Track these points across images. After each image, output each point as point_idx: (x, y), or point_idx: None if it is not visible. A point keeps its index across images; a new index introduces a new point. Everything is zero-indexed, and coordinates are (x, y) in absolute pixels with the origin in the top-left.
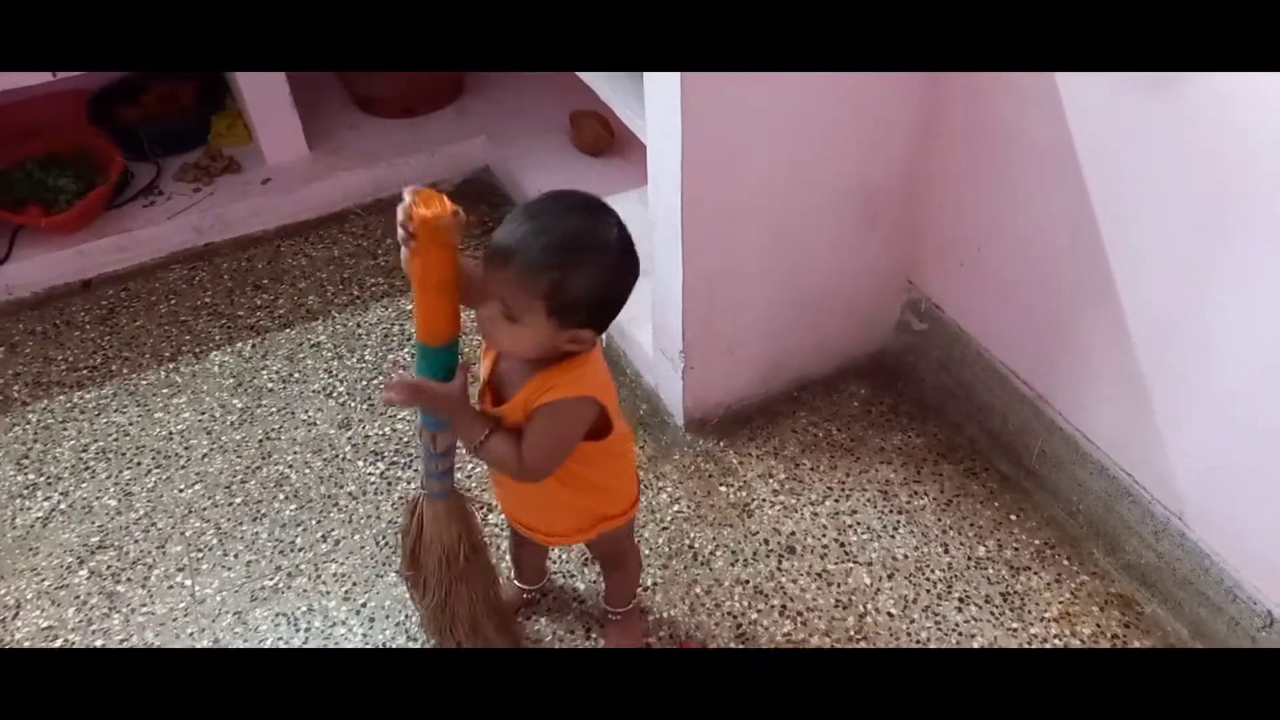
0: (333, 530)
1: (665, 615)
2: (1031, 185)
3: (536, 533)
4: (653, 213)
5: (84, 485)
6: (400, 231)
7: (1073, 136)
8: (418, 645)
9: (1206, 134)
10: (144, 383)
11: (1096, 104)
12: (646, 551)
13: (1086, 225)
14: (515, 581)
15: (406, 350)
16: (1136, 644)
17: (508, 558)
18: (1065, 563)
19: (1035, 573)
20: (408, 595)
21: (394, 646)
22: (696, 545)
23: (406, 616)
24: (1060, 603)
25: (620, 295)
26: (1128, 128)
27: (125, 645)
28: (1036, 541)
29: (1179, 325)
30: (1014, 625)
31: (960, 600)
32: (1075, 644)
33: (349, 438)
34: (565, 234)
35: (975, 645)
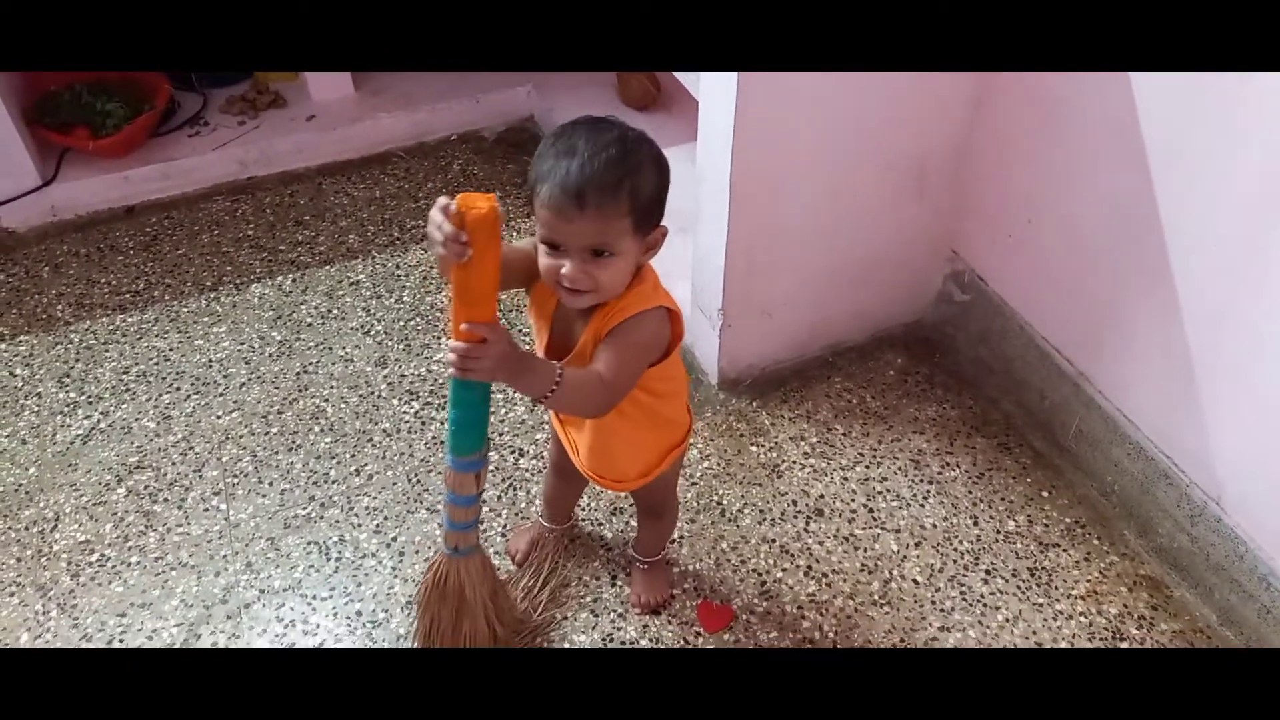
0: (366, 465)
1: (691, 569)
2: (1086, 159)
3: (606, 480)
4: (700, 170)
5: (124, 406)
6: (438, 236)
7: (1135, 111)
8: None
9: (1271, 116)
10: (185, 310)
11: (1160, 79)
12: None
13: (1142, 202)
14: (542, 520)
15: (445, 294)
16: (1163, 626)
17: (538, 501)
18: (1095, 542)
19: (1064, 550)
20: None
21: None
22: (725, 502)
23: (436, 552)
24: (1088, 581)
25: (668, 176)
26: (1190, 105)
27: (160, 562)
28: (1067, 519)
29: (1231, 310)
30: (1040, 600)
31: (987, 572)
32: (1101, 622)
33: (385, 376)
34: (608, 150)
35: (1000, 618)
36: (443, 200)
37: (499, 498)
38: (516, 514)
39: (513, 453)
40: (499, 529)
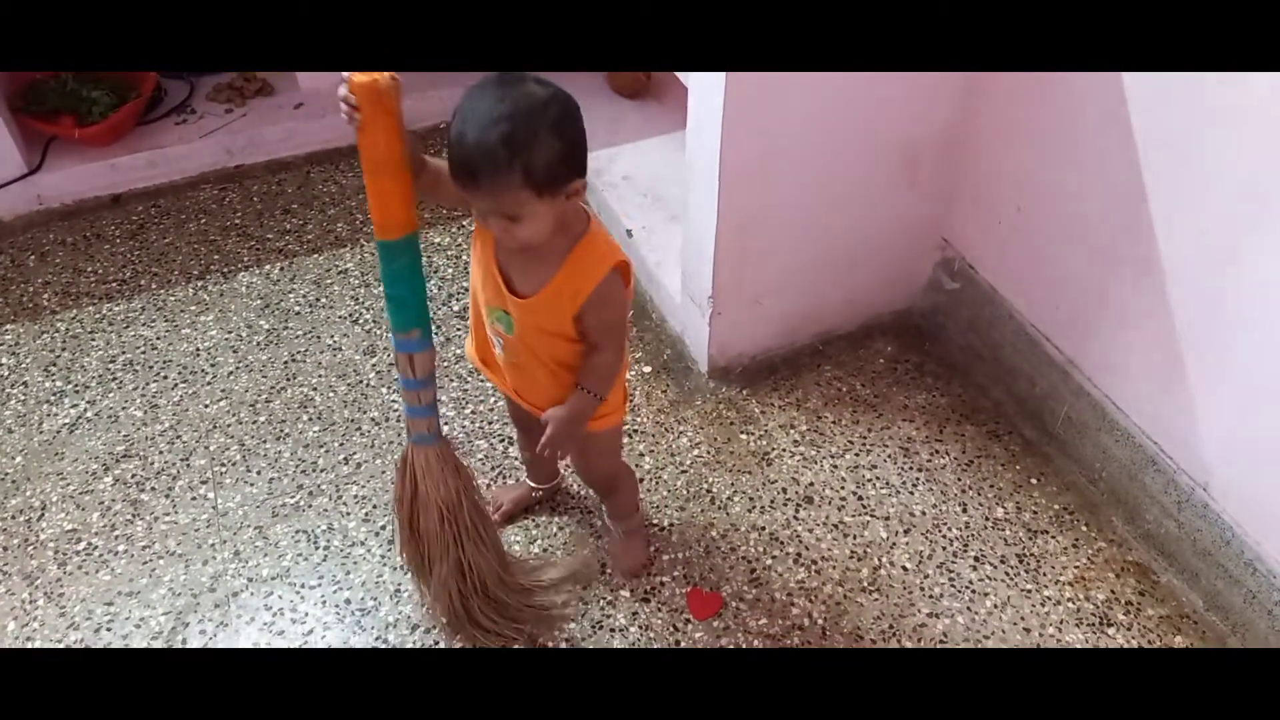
0: (354, 454)
1: (680, 556)
2: (1077, 146)
3: (539, 409)
4: (689, 158)
5: (111, 395)
6: (343, 107)
7: (1124, 98)
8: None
9: (1262, 104)
10: (172, 299)
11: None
12: (664, 493)
13: (1131, 190)
14: (527, 480)
15: (434, 280)
16: (1150, 612)
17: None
18: (1084, 529)
19: (1052, 537)
20: (412, 577)
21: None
22: (715, 490)
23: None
24: (1076, 567)
25: (579, 133)
26: (1180, 93)
27: (148, 551)
28: (1056, 506)
29: (1219, 296)
30: (1028, 587)
31: (975, 559)
32: (1088, 608)
33: (373, 364)
34: (500, 125)
35: (988, 604)
36: (345, 73)
37: (487, 486)
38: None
39: (501, 441)
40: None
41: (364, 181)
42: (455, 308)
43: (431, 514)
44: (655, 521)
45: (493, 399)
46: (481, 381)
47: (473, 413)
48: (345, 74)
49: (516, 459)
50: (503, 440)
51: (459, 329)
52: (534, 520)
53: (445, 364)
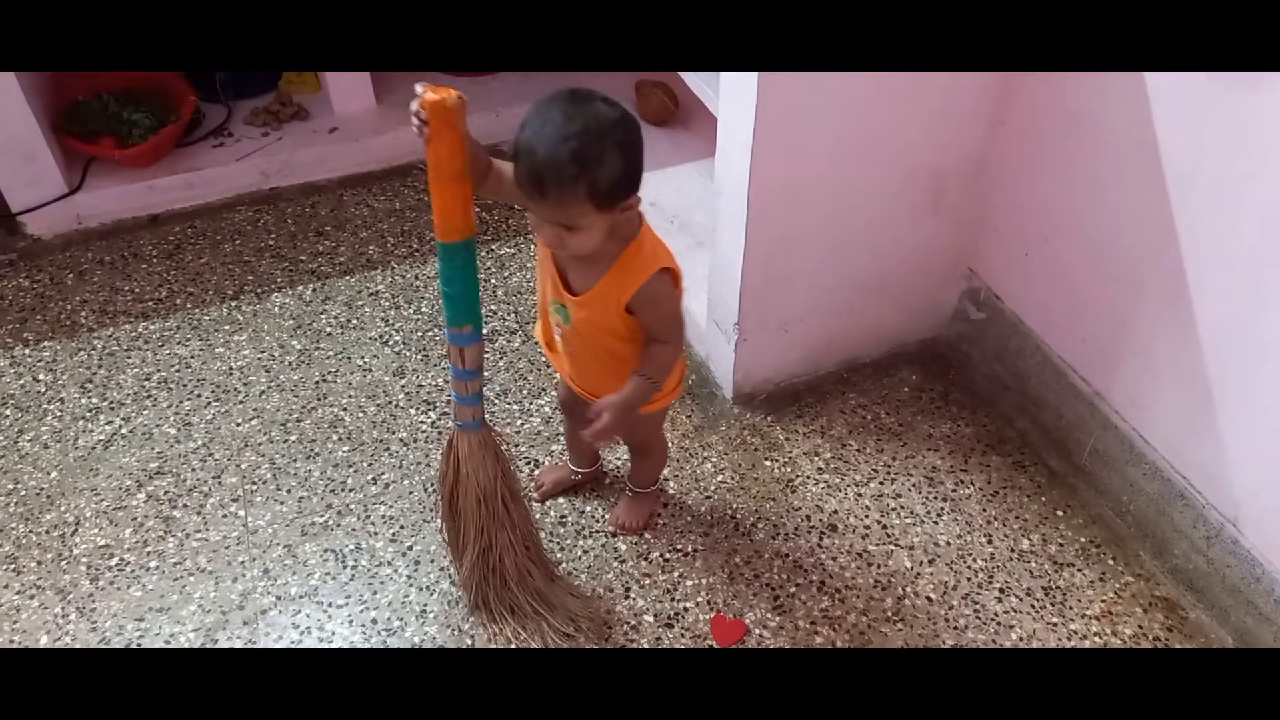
0: (383, 474)
1: (704, 582)
2: (1105, 177)
3: (590, 395)
4: (718, 184)
5: (145, 412)
6: (414, 121)
7: (1154, 129)
8: (457, 593)
9: None
10: (207, 318)
11: (1179, 97)
12: (688, 519)
13: (1160, 221)
14: (569, 464)
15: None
16: (1178, 648)
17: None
18: (1110, 562)
19: (1079, 569)
20: (449, 553)
21: (437, 590)
22: (739, 516)
23: (450, 561)
24: (1103, 601)
25: (640, 154)
26: (1209, 124)
27: (179, 568)
28: (1082, 539)
29: (1248, 329)
30: (1054, 620)
31: (1001, 591)
32: (1116, 644)
33: (403, 385)
34: (570, 142)
35: (1013, 637)
36: (418, 86)
37: (530, 473)
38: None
39: (528, 463)
40: None
41: (429, 188)
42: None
43: (470, 495)
44: (679, 547)
45: (520, 420)
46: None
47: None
48: (419, 90)
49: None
50: (528, 463)
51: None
52: (557, 540)
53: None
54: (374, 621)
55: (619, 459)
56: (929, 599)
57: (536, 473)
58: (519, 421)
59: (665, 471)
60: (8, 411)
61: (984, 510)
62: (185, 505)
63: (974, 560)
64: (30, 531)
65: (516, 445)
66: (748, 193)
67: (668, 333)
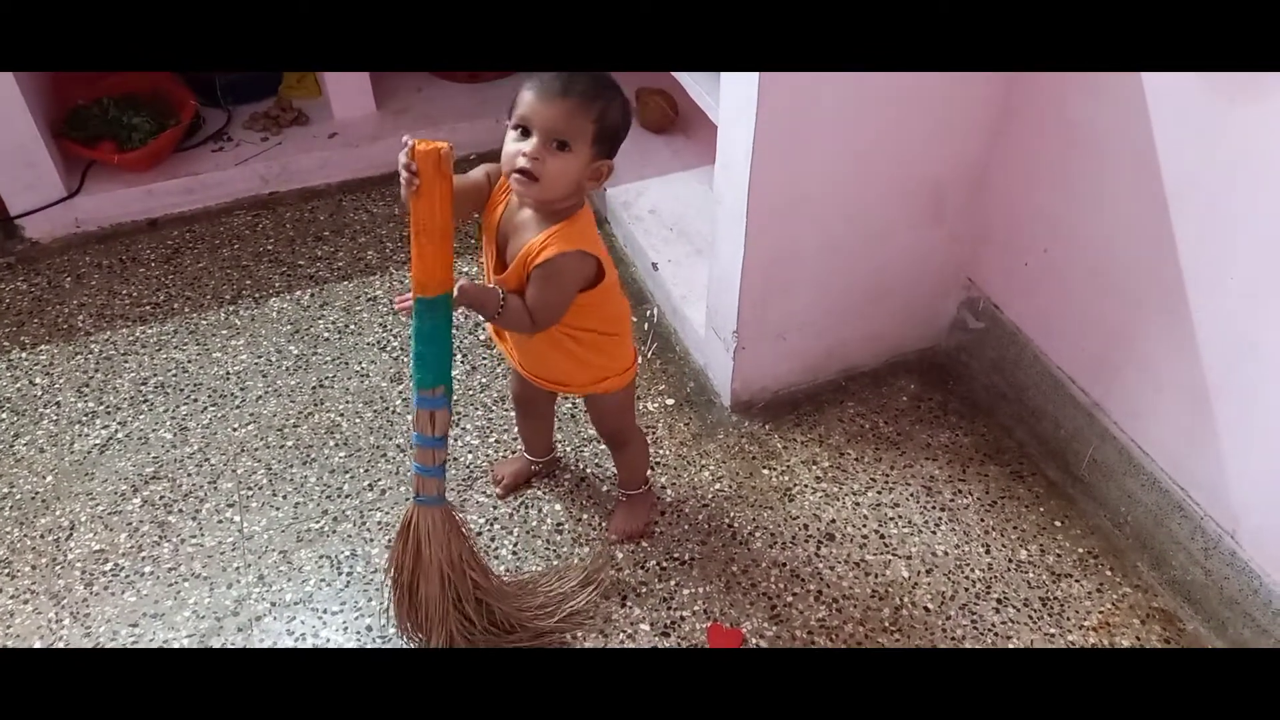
0: (379, 480)
1: (701, 591)
2: (1106, 188)
3: (546, 382)
4: (718, 192)
5: (141, 417)
6: (403, 174)
7: (1153, 141)
8: None
9: None
10: (204, 323)
11: (1180, 107)
12: (686, 527)
13: (1161, 232)
14: (525, 455)
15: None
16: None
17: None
18: (1108, 573)
19: (1077, 580)
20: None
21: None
22: (736, 525)
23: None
24: (1100, 612)
25: (628, 126)
26: (1211, 135)
27: (173, 573)
28: (1080, 550)
29: (1248, 341)
30: (1051, 630)
31: (999, 601)
32: None
33: (400, 391)
34: (598, 76)
35: (1011, 647)
36: (406, 137)
37: (510, 515)
38: (528, 531)
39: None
40: (510, 545)
41: (410, 242)
42: (481, 336)
43: (433, 579)
44: (676, 555)
45: (493, 437)
46: (506, 411)
47: (496, 441)
48: (407, 140)
49: (539, 489)
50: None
51: (484, 357)
52: (554, 549)
53: (471, 393)
54: (369, 628)
55: (597, 455)
56: (926, 609)
57: (493, 467)
58: (492, 439)
59: (663, 479)
60: (4, 415)
61: (982, 520)
62: (181, 510)
63: (972, 570)
64: (25, 536)
65: (491, 460)
66: (747, 201)
67: (538, 302)
